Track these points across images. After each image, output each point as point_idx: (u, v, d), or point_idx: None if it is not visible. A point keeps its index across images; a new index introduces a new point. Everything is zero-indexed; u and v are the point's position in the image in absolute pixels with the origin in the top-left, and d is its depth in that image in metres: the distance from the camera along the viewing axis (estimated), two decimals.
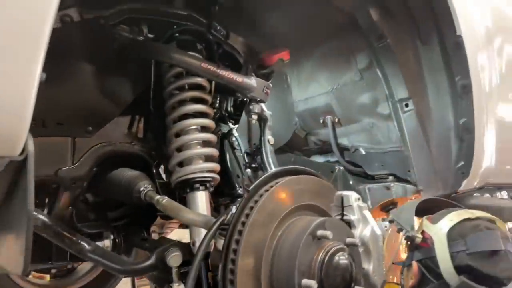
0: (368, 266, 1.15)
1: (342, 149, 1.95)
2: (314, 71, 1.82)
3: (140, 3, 1.37)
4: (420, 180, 1.55)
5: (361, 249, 1.15)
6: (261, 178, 1.02)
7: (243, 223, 0.93)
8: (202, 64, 1.25)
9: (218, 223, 1.02)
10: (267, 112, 1.47)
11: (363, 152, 1.85)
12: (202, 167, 1.29)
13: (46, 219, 1.12)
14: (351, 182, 1.93)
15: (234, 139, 1.59)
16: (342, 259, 1.01)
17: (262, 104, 1.43)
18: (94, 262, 1.21)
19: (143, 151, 1.39)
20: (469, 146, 1.46)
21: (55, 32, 1.15)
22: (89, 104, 1.25)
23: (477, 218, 1.18)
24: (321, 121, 1.89)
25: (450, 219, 1.19)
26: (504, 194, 1.87)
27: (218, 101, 1.69)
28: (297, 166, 1.15)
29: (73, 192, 1.25)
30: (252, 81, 1.33)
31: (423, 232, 1.22)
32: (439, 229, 1.18)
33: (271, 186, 1.03)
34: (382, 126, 1.74)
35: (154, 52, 1.26)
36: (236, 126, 1.60)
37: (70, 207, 1.28)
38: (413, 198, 1.58)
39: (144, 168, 1.38)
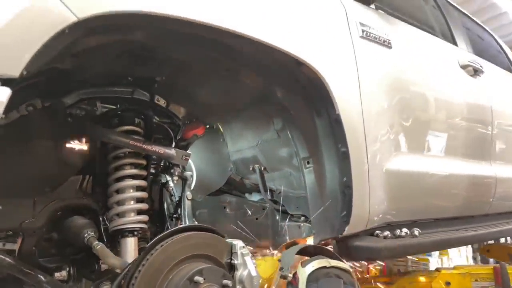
0: None
1: (272, 191, 2.34)
2: (242, 130, 2.22)
3: (91, 87, 1.80)
4: (314, 224, 1.93)
5: None
6: (158, 236, 1.43)
7: (136, 277, 1.33)
8: (130, 142, 1.66)
9: (122, 274, 1.41)
10: (187, 173, 1.88)
11: (284, 195, 2.23)
12: (132, 219, 1.70)
13: (11, 261, 1.55)
14: (277, 218, 2.32)
15: (171, 188, 2.00)
16: None
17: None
18: None
19: (91, 203, 1.80)
20: (349, 199, 1.83)
21: (21, 118, 1.59)
22: (46, 171, 1.67)
23: (332, 267, 1.57)
24: (251, 168, 2.28)
25: (313, 265, 1.59)
26: (404, 230, 2.23)
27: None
28: (196, 224, 1.55)
29: (34, 238, 1.67)
30: (172, 151, 1.74)
31: (295, 273, 1.62)
32: (303, 272, 1.57)
33: (166, 242, 1.43)
34: (297, 176, 2.12)
35: (93, 133, 1.68)
36: (173, 177, 2.00)
37: (33, 247, 1.70)
38: (307, 239, 1.96)
39: (92, 216, 1.80)
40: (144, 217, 1.75)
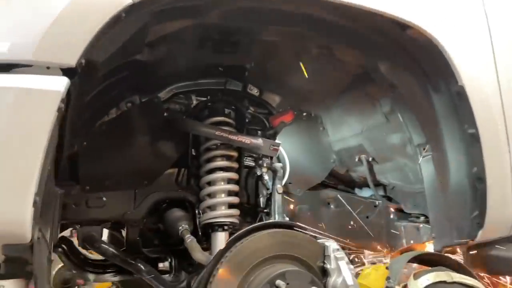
0: None
1: (384, 185, 2.01)
2: (344, 115, 1.95)
3: (184, 81, 1.80)
4: (434, 227, 1.55)
5: None
6: (237, 233, 1.31)
7: (213, 276, 1.24)
8: (216, 132, 1.59)
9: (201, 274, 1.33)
10: (277, 164, 1.72)
11: (399, 190, 1.88)
12: (223, 213, 1.63)
13: (114, 251, 1.65)
14: (391, 217, 1.98)
15: (265, 181, 1.87)
16: None
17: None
18: (147, 280, 1.67)
19: (187, 195, 1.80)
20: (482, 196, 1.41)
21: (121, 114, 1.67)
22: (145, 164, 1.72)
23: (453, 283, 1.23)
24: (357, 159, 1.99)
25: (428, 278, 1.27)
26: None
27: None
28: (281, 221, 1.39)
29: (137, 228, 1.74)
30: (259, 141, 1.61)
31: (405, 286, 1.32)
32: (415, 286, 1.26)
33: (246, 239, 1.31)
34: (413, 167, 1.76)
35: (181, 125, 1.66)
36: (262, 169, 1.87)
37: (138, 238, 1.78)
38: (427, 244, 1.59)
39: (189, 209, 1.80)
40: (235, 211, 1.66)
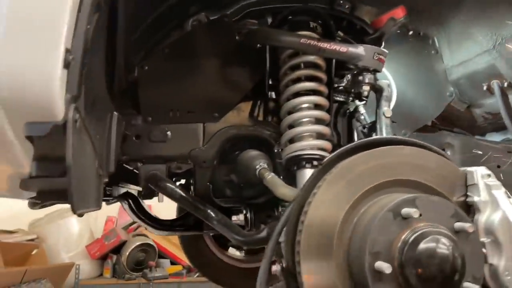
0: (498, 261, 0.87)
1: None
2: (468, 27, 1.47)
3: None
4: None
5: (487, 240, 0.89)
6: (337, 151, 0.94)
7: (309, 203, 0.89)
8: (301, 40, 1.24)
9: (291, 206, 0.99)
10: (383, 82, 1.30)
11: None
12: (310, 144, 1.27)
13: (181, 192, 1.37)
14: None
15: (362, 116, 1.47)
16: (437, 245, 0.81)
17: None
18: (218, 230, 1.38)
19: (263, 133, 1.48)
20: None
21: (186, 35, 1.41)
22: (214, 94, 1.44)
23: None
24: (485, 88, 1.50)
25: None
26: None
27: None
28: (397, 136, 0.99)
29: (206, 170, 1.46)
30: (359, 49, 1.22)
31: None
32: None
33: (350, 159, 0.93)
34: None
35: (255, 37, 1.34)
36: (363, 102, 1.48)
37: (208, 183, 1.50)
38: None
39: (266, 149, 1.47)
40: (326, 144, 1.29)
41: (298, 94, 1.34)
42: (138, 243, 4.38)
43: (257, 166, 1.36)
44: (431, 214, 0.84)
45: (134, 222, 4.91)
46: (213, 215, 1.37)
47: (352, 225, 0.90)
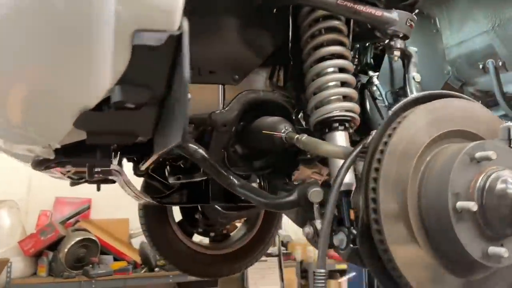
0: None
1: (510, 99, 1.64)
2: (470, 7, 1.58)
3: None
4: None
5: None
6: (402, 101, 0.94)
7: (382, 151, 0.87)
8: (339, 1, 1.22)
9: (357, 150, 0.98)
10: (412, 48, 1.35)
11: None
12: (340, 106, 1.26)
13: (204, 153, 1.27)
14: None
15: (374, 88, 1.50)
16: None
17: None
18: (243, 196, 1.30)
19: (283, 99, 1.44)
20: None
21: None
22: (235, 55, 1.37)
23: None
24: (481, 66, 1.63)
25: None
26: None
27: (357, 53, 1.64)
28: (447, 91, 1.02)
29: (224, 135, 1.37)
30: (394, 14, 1.24)
31: None
32: None
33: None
34: None
35: None
36: (377, 74, 1.51)
37: (222, 150, 1.41)
38: None
39: (284, 115, 1.43)
40: (355, 106, 1.29)
41: (323, 58, 1.32)
42: (78, 238, 3.99)
43: (283, 131, 1.31)
44: (504, 159, 0.88)
45: (72, 217, 4.49)
46: (237, 182, 1.28)
47: (421, 171, 0.90)
